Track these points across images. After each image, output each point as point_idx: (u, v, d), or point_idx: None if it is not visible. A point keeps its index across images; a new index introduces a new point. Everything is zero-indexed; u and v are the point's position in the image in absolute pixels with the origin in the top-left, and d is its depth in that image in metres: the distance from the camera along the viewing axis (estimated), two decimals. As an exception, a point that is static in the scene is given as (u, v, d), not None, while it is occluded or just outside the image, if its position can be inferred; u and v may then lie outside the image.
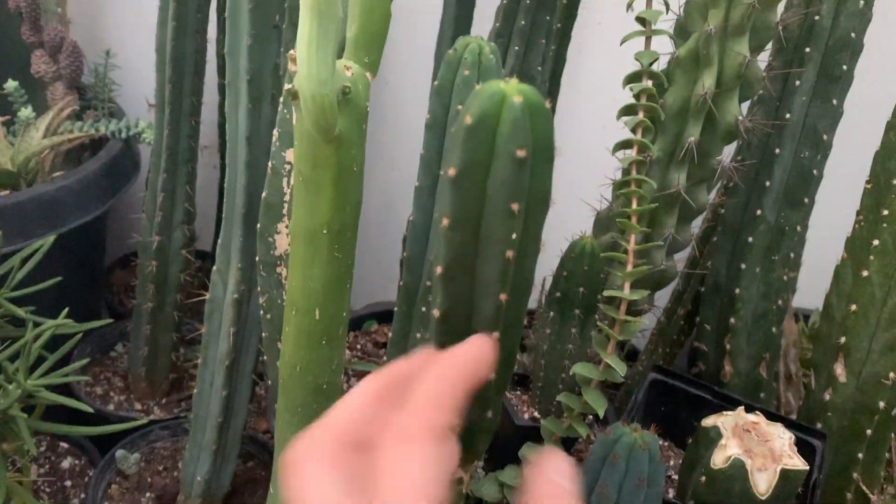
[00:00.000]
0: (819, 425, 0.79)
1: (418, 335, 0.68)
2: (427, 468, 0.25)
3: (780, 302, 0.83)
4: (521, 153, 0.31)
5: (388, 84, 1.17)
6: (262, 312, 0.72)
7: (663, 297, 0.94)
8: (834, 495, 0.81)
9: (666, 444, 0.85)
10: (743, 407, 0.69)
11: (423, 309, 0.66)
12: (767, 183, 0.77)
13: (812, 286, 0.90)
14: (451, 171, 0.33)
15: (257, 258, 0.70)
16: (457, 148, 0.33)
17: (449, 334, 0.38)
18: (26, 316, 0.73)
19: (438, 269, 0.37)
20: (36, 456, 0.71)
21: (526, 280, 0.37)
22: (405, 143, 1.19)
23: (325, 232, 0.54)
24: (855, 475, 0.80)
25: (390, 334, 0.71)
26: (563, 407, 0.67)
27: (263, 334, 0.73)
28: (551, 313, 0.72)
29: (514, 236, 0.34)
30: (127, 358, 1.06)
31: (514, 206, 0.32)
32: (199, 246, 1.03)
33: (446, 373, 0.30)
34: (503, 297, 0.36)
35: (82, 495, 0.91)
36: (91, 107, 1.07)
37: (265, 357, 0.74)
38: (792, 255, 0.80)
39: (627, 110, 0.65)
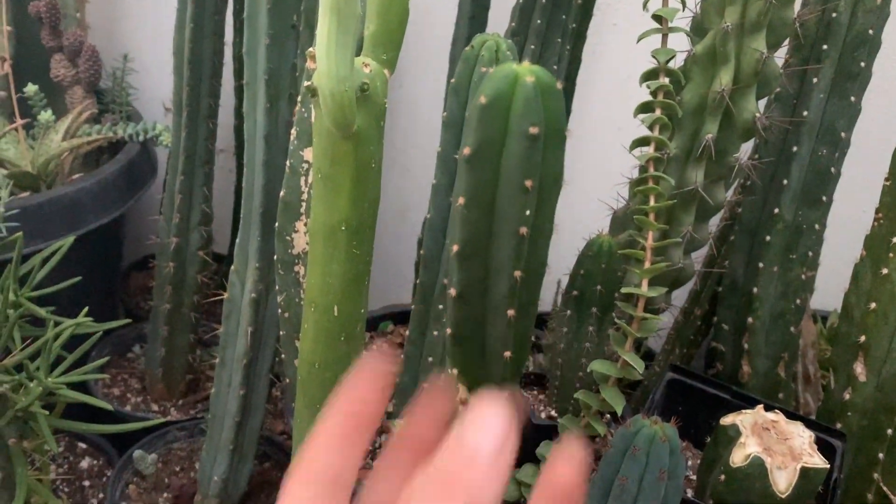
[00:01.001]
0: (839, 425, 0.78)
1: (435, 333, 0.68)
2: None
3: (798, 301, 0.82)
4: (533, 130, 0.31)
5: (402, 86, 1.17)
6: (280, 311, 0.72)
7: (680, 297, 0.94)
8: (854, 497, 0.80)
9: (684, 444, 0.84)
10: (762, 405, 0.69)
11: (441, 307, 0.66)
12: (785, 181, 0.77)
13: (830, 287, 0.90)
14: (466, 150, 0.33)
15: (275, 257, 0.70)
16: (471, 128, 0.33)
17: (464, 314, 0.38)
18: (46, 315, 0.74)
19: (455, 248, 0.37)
20: (56, 454, 0.72)
21: (540, 260, 0.37)
22: (420, 147, 1.19)
23: (343, 228, 0.54)
24: (875, 476, 0.79)
25: (407, 333, 0.71)
26: (580, 405, 0.67)
27: (281, 333, 0.73)
28: (568, 312, 0.72)
29: (527, 213, 0.34)
30: (144, 359, 1.07)
31: (528, 183, 0.33)
32: (216, 249, 1.04)
33: None
34: (518, 274, 0.36)
35: (100, 495, 0.92)
36: (109, 110, 1.09)
37: (283, 356, 0.75)
38: (810, 253, 0.80)
39: (644, 108, 0.65)
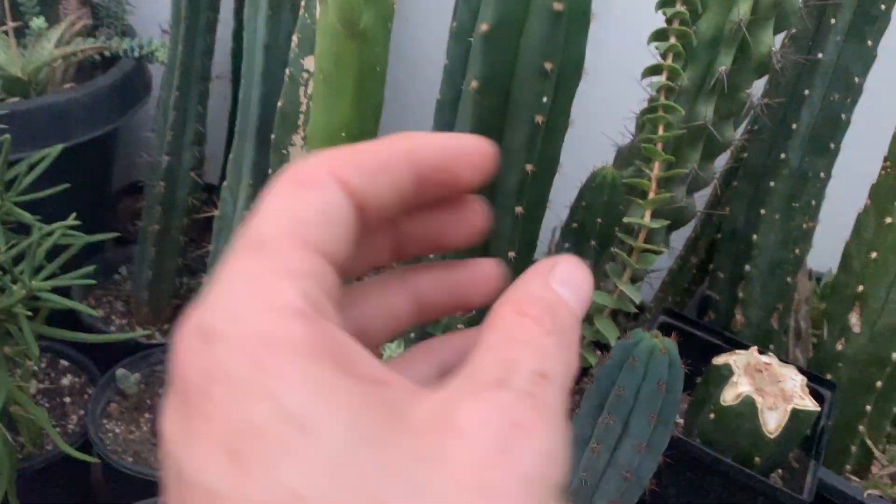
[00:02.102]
0: (829, 377, 0.78)
1: (430, 256, 0.66)
2: None
3: (796, 251, 0.82)
4: (558, 6, 0.30)
5: (407, 21, 1.14)
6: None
7: (677, 243, 0.93)
8: (839, 448, 0.80)
9: (672, 388, 0.84)
10: (756, 347, 0.68)
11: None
12: (794, 126, 0.75)
13: (826, 247, 0.89)
14: (484, 27, 0.31)
15: (269, 172, 0.69)
16: (490, 2, 0.31)
17: None
18: (32, 221, 0.72)
19: (468, 138, 0.35)
20: (38, 369, 0.70)
21: (552, 156, 0.35)
22: (422, 85, 1.17)
23: (343, 135, 0.52)
24: (861, 428, 0.79)
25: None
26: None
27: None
28: (566, 245, 0.71)
29: (545, 100, 0.32)
30: (130, 282, 1.05)
31: (548, 66, 0.31)
32: (207, 179, 1.02)
33: None
34: (529, 168, 0.34)
35: (81, 412, 0.90)
36: (104, 25, 1.05)
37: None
38: (813, 202, 0.79)
39: (659, 35, 0.63)
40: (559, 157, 0.36)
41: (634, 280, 0.68)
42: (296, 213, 0.18)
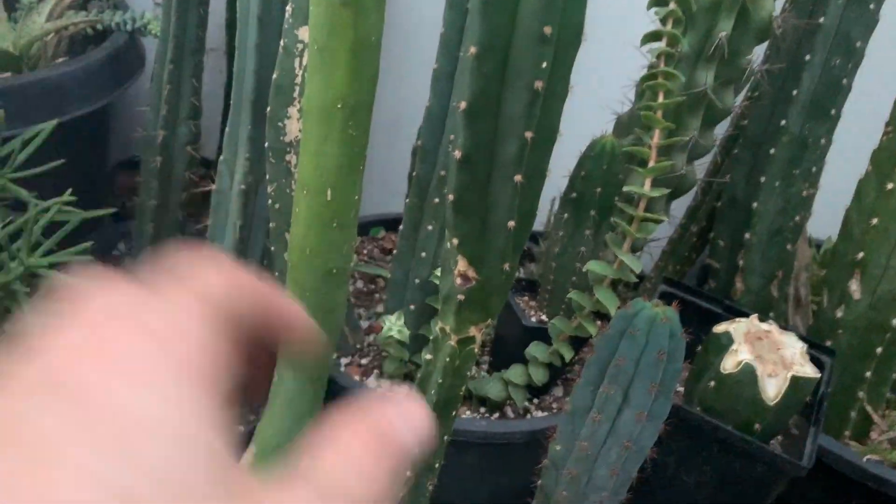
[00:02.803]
0: (829, 344, 0.78)
1: (429, 227, 0.66)
2: None
3: (796, 219, 0.81)
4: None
5: (402, -10, 1.13)
6: (270, 202, 0.70)
7: (677, 212, 0.93)
8: (838, 415, 0.80)
9: (672, 357, 0.84)
10: (756, 315, 0.68)
11: (436, 200, 0.64)
12: (794, 92, 0.74)
13: (825, 215, 0.89)
14: (482, -8, 0.31)
15: (266, 145, 0.68)
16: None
17: (469, 179, 0.36)
18: (28, 197, 0.71)
19: (462, 105, 0.35)
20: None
21: (552, 124, 0.35)
22: (418, 54, 1.15)
23: (339, 107, 0.52)
24: (861, 394, 0.79)
25: (401, 227, 0.69)
26: (573, 306, 0.66)
27: (271, 225, 0.71)
28: (565, 215, 0.70)
29: (544, 65, 0.32)
30: (129, 259, 1.05)
31: (547, 30, 0.30)
32: (204, 154, 1.01)
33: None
34: (528, 135, 0.34)
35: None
36: (95, -2, 1.04)
37: (272, 248, 0.73)
38: (813, 169, 0.78)
39: (658, 0, 0.62)
40: (558, 125, 0.36)
41: (634, 249, 0.67)
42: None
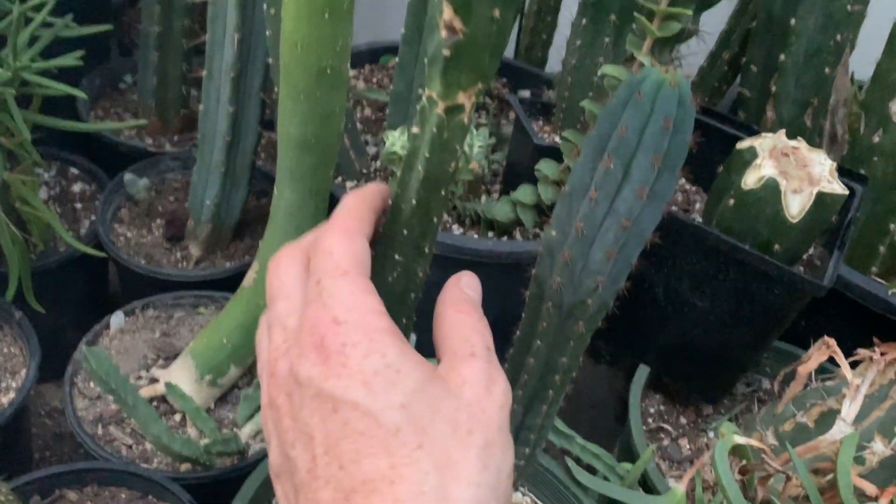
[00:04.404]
0: (862, 171, 0.73)
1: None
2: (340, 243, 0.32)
3: (838, 37, 0.75)
4: None
5: None
6: (265, 7, 0.66)
7: (708, 40, 0.86)
8: (866, 246, 0.77)
9: (694, 188, 0.80)
10: (784, 131, 0.64)
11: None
12: None
13: (870, 55, 0.81)
14: None
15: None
16: None
17: None
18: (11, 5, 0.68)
19: None
20: (30, 149, 0.68)
21: None
22: None
23: None
24: (892, 227, 0.75)
25: (402, 30, 0.65)
26: (587, 116, 0.62)
27: (268, 33, 0.67)
28: (583, 21, 0.65)
29: None
30: (137, 90, 1.02)
31: None
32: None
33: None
34: None
35: (93, 217, 0.90)
36: None
37: (270, 61, 0.69)
38: (861, -22, 0.71)
39: None
40: None
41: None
42: (355, 254, 0.32)
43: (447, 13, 0.35)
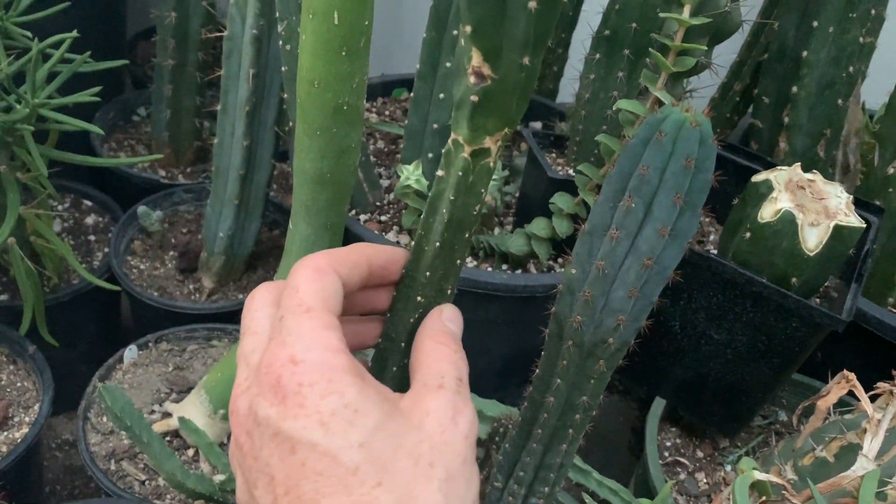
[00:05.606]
0: (877, 203, 0.73)
1: (448, 64, 0.62)
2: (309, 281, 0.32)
3: (850, 69, 0.75)
4: None
5: None
6: (281, 43, 0.66)
7: (720, 71, 0.87)
8: (882, 278, 0.76)
9: (707, 219, 0.80)
10: (799, 164, 0.63)
11: (455, 32, 0.60)
12: (857, -80, 0.67)
13: (882, 83, 0.82)
14: None
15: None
16: None
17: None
18: (29, 43, 0.68)
19: None
20: (46, 183, 0.69)
21: None
22: None
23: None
24: (909, 258, 0.75)
25: (417, 65, 0.65)
26: (602, 151, 0.62)
27: (283, 69, 0.68)
28: (597, 55, 0.65)
29: None
30: (150, 122, 1.03)
31: None
32: (221, 7, 0.97)
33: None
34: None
35: (106, 249, 0.90)
36: None
37: (286, 95, 0.70)
38: (872, 11, 0.71)
39: None
40: None
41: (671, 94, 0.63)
42: (320, 291, 0.32)
43: (476, 59, 0.35)
